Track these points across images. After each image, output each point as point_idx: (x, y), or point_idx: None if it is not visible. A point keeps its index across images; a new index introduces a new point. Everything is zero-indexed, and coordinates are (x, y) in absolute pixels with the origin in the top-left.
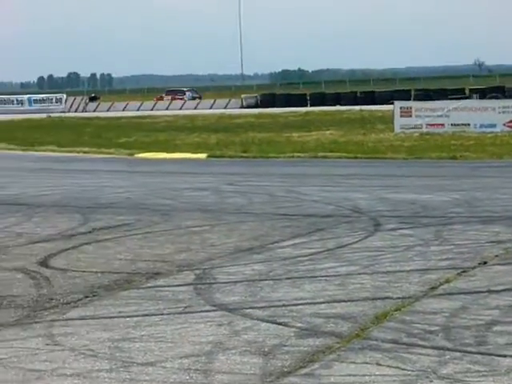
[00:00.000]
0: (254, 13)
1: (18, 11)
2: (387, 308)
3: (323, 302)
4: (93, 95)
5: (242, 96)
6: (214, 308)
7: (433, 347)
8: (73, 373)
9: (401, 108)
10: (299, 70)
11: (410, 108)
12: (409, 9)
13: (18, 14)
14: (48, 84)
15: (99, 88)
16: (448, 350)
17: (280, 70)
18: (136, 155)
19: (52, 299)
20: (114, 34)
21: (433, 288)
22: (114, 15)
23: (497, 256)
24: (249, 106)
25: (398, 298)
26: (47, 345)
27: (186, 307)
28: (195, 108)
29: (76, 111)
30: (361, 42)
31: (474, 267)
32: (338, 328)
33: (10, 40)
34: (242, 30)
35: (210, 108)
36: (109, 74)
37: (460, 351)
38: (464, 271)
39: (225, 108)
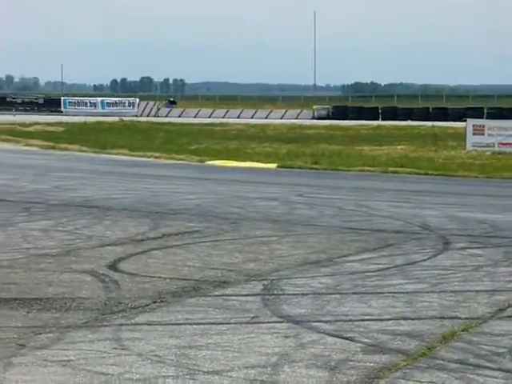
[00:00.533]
0: (328, 24)
1: (95, 17)
2: (455, 328)
3: (390, 319)
4: (171, 99)
5: (314, 107)
6: (280, 319)
7: (500, 369)
8: (139, 378)
9: (473, 126)
10: (372, 83)
11: (483, 126)
12: (485, 26)
13: (94, 19)
14: (121, 87)
15: (172, 93)
16: None
17: (352, 82)
18: (207, 162)
19: (120, 303)
20: (187, 39)
21: (501, 310)
22: (188, 22)
23: None
24: (320, 118)
25: (466, 318)
26: (115, 348)
27: (253, 317)
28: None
29: (148, 116)
30: (435, 57)
31: None
32: (405, 345)
33: (85, 43)
34: (315, 40)
35: (281, 118)
36: (182, 80)
37: None
38: None
39: (296, 118)
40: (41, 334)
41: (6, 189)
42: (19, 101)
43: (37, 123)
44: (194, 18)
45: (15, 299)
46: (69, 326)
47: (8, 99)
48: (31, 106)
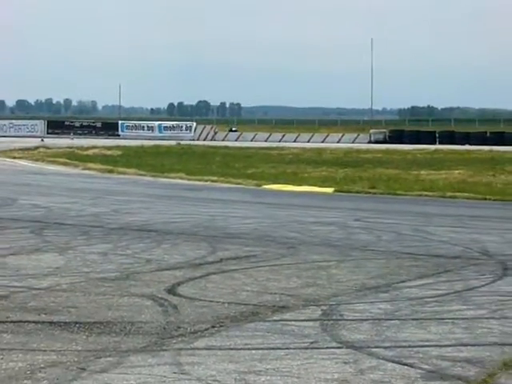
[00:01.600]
0: (384, 47)
1: (153, 40)
2: None
3: (450, 345)
4: (233, 128)
5: (371, 131)
6: (339, 345)
7: None
8: None
9: None
10: (428, 107)
11: None
12: None
13: (152, 43)
14: (178, 111)
15: (228, 117)
16: None
17: (409, 106)
18: (263, 186)
19: (179, 327)
20: (243, 63)
21: None
22: (243, 47)
23: None
24: (377, 142)
25: None
26: (174, 373)
27: (311, 343)
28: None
29: (205, 139)
30: (492, 81)
31: None
32: (465, 372)
33: (142, 68)
34: (372, 65)
35: (338, 142)
36: (238, 104)
37: None
38: None
39: (352, 142)
40: (101, 357)
41: (66, 212)
42: (77, 124)
43: (95, 147)
44: (250, 41)
45: (75, 323)
46: (128, 350)
47: (66, 123)
48: (89, 130)
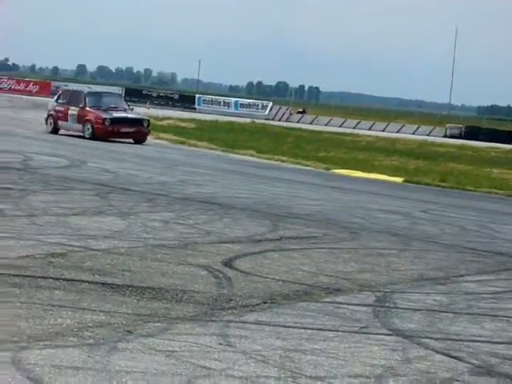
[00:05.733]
0: (469, 43)
1: (231, 17)
2: None
3: (502, 343)
4: (301, 110)
5: (447, 125)
6: (389, 332)
7: None
8: (241, 375)
9: None
10: (508, 106)
11: None
12: None
13: (230, 20)
14: (256, 90)
15: (305, 100)
16: None
17: (489, 104)
18: (332, 170)
19: (231, 300)
20: (325, 48)
21: None
22: (327, 32)
23: None
24: (452, 136)
25: None
26: (220, 344)
27: (362, 327)
28: None
29: (280, 120)
30: None
31: None
32: None
33: (223, 45)
34: (455, 59)
35: (413, 133)
36: (316, 88)
37: None
38: None
39: (428, 135)
40: (149, 322)
41: (133, 178)
42: (155, 95)
43: (169, 118)
44: (333, 27)
45: (128, 286)
46: (178, 317)
47: (144, 92)
48: (166, 101)
